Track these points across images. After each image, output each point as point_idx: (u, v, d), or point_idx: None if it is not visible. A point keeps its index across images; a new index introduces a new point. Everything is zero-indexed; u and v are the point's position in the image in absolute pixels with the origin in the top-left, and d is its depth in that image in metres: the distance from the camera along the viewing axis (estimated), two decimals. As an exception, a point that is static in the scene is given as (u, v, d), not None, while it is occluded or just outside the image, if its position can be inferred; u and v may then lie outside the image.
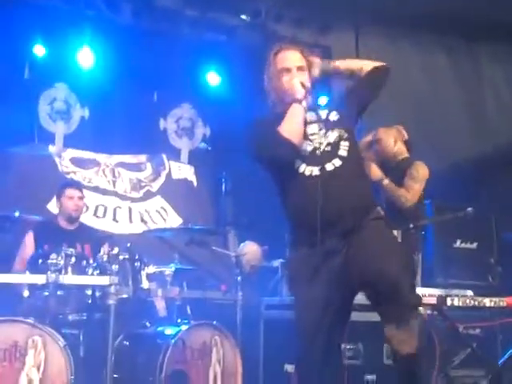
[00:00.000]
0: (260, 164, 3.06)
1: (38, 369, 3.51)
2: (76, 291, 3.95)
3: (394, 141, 4.89)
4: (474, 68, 7.09)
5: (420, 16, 6.76)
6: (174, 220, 6.23)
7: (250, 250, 5.49)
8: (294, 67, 3.02)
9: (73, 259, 3.95)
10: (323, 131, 2.96)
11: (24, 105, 5.99)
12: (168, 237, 5.28)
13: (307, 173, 2.87)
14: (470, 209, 4.43)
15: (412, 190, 4.65)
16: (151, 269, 4.31)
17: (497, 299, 4.48)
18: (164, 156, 6.57)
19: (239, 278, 4.67)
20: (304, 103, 2.94)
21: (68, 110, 6.28)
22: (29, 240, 4.67)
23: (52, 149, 6.09)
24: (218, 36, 6.92)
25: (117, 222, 6.03)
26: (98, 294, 3.98)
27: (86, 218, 5.43)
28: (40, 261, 3.90)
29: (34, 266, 3.92)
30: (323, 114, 3.02)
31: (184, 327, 4.02)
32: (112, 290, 3.83)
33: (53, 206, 5.37)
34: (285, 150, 2.88)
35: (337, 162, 2.89)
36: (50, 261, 3.84)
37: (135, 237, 5.55)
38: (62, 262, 3.89)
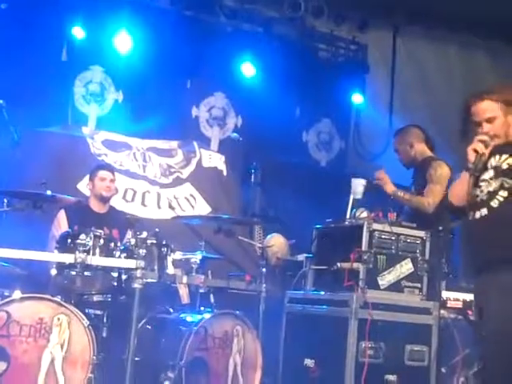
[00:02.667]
0: None
1: (62, 347, 3.54)
2: (102, 273, 3.97)
3: (409, 145, 4.88)
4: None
5: (459, 17, 6.68)
6: (203, 208, 6.23)
7: (277, 242, 5.49)
8: (483, 120, 3.12)
9: (101, 241, 3.96)
10: (491, 179, 3.08)
11: (60, 86, 6.05)
12: (195, 224, 5.29)
13: (470, 217, 3.06)
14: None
15: (432, 193, 4.62)
16: (177, 255, 4.31)
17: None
18: (195, 143, 6.58)
19: (264, 270, 4.65)
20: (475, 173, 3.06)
21: (102, 93, 6.33)
22: (61, 218, 4.73)
23: (85, 130, 6.15)
24: (255, 27, 6.93)
25: (145, 206, 6.05)
26: (123, 276, 4.00)
27: (115, 202, 5.44)
28: (69, 240, 3.92)
29: (63, 245, 3.95)
30: (498, 159, 3.10)
31: (207, 315, 4.04)
32: (138, 273, 3.84)
33: (82, 186, 5.42)
34: (446, 210, 3.36)
35: (484, 212, 3.04)
36: (78, 241, 3.87)
37: (163, 222, 5.56)
38: (90, 243, 3.91)
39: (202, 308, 4.30)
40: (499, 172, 3.05)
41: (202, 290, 4.37)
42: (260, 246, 5.09)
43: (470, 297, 4.49)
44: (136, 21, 6.24)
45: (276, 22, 7.00)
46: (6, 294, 3.67)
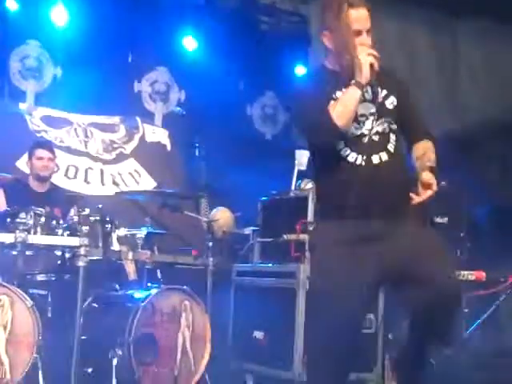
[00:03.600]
0: (302, 135, 2.89)
1: (5, 328, 3.46)
2: (45, 251, 3.90)
3: None
4: (452, 44, 7.07)
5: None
6: (148, 183, 6.16)
7: (223, 215, 5.47)
8: (365, 30, 2.66)
9: (42, 219, 3.88)
10: (375, 116, 2.68)
11: (-5, 61, 5.84)
12: (140, 200, 5.23)
13: (350, 159, 2.65)
14: (443, 183, 4.46)
15: None
16: (122, 231, 4.27)
17: (466, 273, 4.55)
18: (138, 118, 6.47)
19: (210, 244, 4.64)
20: (364, 89, 2.64)
21: (40, 68, 6.14)
22: (0, 197, 4.58)
23: (22, 106, 5.96)
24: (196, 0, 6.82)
25: (88, 183, 5.94)
26: (67, 255, 3.94)
27: (57, 179, 5.32)
28: (8, 219, 3.81)
29: (2, 225, 3.84)
30: (380, 94, 2.72)
31: (154, 291, 4.00)
32: (82, 251, 3.78)
33: (22, 164, 5.27)
34: (330, 137, 2.63)
35: (384, 156, 2.67)
36: (18, 220, 3.77)
37: (107, 199, 5.46)
38: (31, 222, 3.82)
39: (150, 284, 4.26)
40: (384, 110, 2.71)
41: (148, 266, 4.33)
42: (206, 220, 5.06)
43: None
44: (72, -8, 6.06)
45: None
46: None
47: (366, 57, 2.60)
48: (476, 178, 5.84)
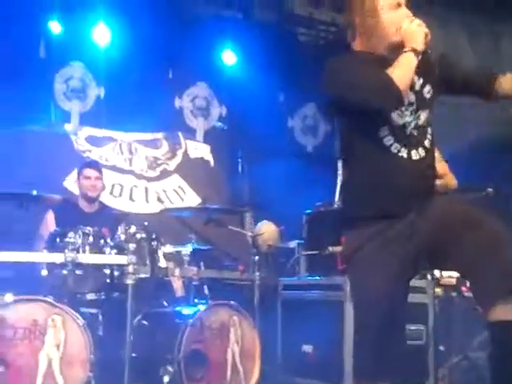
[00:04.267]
0: (348, 109, 2.51)
1: (58, 348, 3.50)
2: (94, 270, 3.94)
3: None
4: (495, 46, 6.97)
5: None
6: (192, 199, 6.21)
7: (267, 229, 5.47)
8: (403, 3, 2.55)
9: (90, 238, 3.93)
10: (414, 107, 2.55)
11: (40, 83, 5.96)
12: (185, 216, 5.26)
13: (394, 150, 2.51)
14: (489, 189, 4.39)
15: None
16: (168, 248, 4.29)
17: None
18: (180, 134, 6.54)
19: (256, 258, 4.64)
20: (419, 57, 2.46)
21: (84, 89, 6.25)
22: (50, 218, 4.66)
23: (68, 127, 6.08)
24: (234, 14, 6.86)
25: (133, 201, 6.01)
26: (116, 273, 3.97)
27: (103, 197, 5.39)
28: (58, 239, 3.88)
29: (52, 245, 3.91)
30: (417, 82, 2.57)
31: (202, 307, 4.01)
32: (130, 269, 3.82)
33: (69, 184, 5.38)
34: (393, 96, 2.42)
35: (422, 152, 2.55)
36: (67, 239, 3.83)
37: (152, 216, 5.53)
38: (79, 241, 3.88)
39: (197, 300, 4.28)
40: (422, 101, 2.58)
41: (195, 282, 4.35)
42: (250, 234, 5.06)
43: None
44: (113, 12, 6.15)
45: (255, 7, 6.95)
46: (-2, 297, 3.62)
47: (417, 26, 2.49)
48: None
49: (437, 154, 2.70)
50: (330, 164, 5.49)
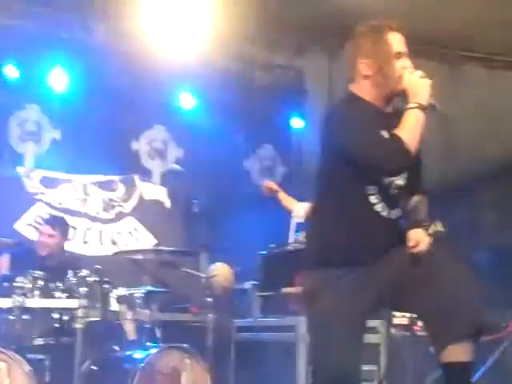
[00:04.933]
0: (351, 161, 2.47)
1: (2, 395, 3.43)
2: (42, 315, 3.89)
3: None
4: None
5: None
6: (147, 240, 6.20)
7: (221, 271, 5.45)
8: (403, 54, 2.53)
9: (40, 282, 3.89)
10: None
11: (-6, 126, 5.93)
12: (139, 258, 5.23)
13: (377, 208, 2.54)
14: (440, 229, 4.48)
15: None
16: (121, 291, 4.27)
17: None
18: (136, 177, 6.54)
19: (210, 300, 4.63)
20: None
21: (39, 132, 6.23)
22: (4, 262, 4.61)
23: (20, 170, 6.03)
24: (193, 58, 6.94)
25: (86, 243, 5.98)
26: (65, 317, 3.93)
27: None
28: (6, 284, 3.83)
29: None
30: None
31: (153, 350, 3.97)
32: (80, 313, 3.79)
33: (20, 227, 5.33)
34: (404, 160, 2.42)
35: (398, 213, 2.60)
36: (15, 283, 3.79)
37: (106, 259, 5.48)
38: (29, 285, 3.84)
39: (149, 343, 4.23)
40: None
41: (147, 325, 4.31)
42: (204, 276, 5.04)
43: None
44: (71, 57, 6.18)
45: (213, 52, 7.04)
46: None
47: (422, 79, 2.46)
48: (472, 222, 5.83)
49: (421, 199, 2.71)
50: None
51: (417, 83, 2.46)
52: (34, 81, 6.16)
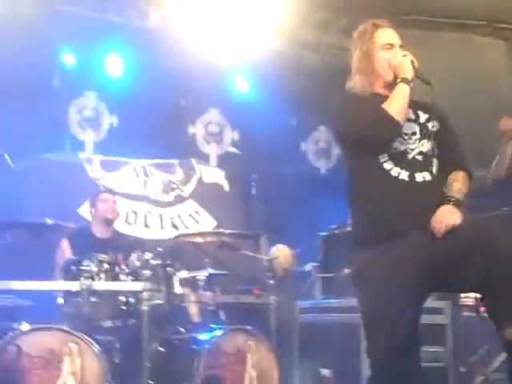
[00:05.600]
0: (349, 142, 2.74)
1: (74, 376, 3.49)
2: (109, 297, 3.94)
3: None
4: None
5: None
6: (208, 222, 6.26)
7: (282, 253, 5.46)
8: (397, 44, 2.78)
9: (105, 265, 3.95)
10: (417, 136, 2.72)
11: (54, 113, 6.03)
12: (199, 241, 5.26)
13: (394, 173, 2.64)
14: (505, 208, 4.37)
15: None
16: (183, 274, 4.29)
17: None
18: (193, 160, 6.59)
19: (272, 282, 4.63)
20: (411, 85, 2.67)
21: (97, 118, 6.32)
22: (65, 247, 4.70)
23: (82, 156, 6.14)
24: (246, 42, 6.91)
25: (148, 227, 6.05)
26: (131, 299, 3.98)
27: (118, 225, 5.43)
28: (73, 267, 3.90)
29: (67, 273, 3.92)
30: (422, 116, 2.78)
31: (218, 332, 4.00)
32: (145, 295, 3.83)
33: (84, 211, 5.42)
34: (390, 128, 2.62)
35: (427, 176, 2.67)
36: (82, 267, 3.86)
37: (167, 242, 5.54)
38: (95, 269, 3.90)
39: (213, 325, 4.26)
40: (427, 132, 2.73)
41: (211, 307, 4.34)
42: (265, 258, 5.05)
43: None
44: (126, 43, 6.23)
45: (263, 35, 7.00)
46: (14, 326, 3.63)
47: (403, 57, 2.71)
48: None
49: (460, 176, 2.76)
50: (344, 186, 5.49)
51: (400, 61, 2.71)
52: (90, 68, 6.25)
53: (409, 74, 2.67)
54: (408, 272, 2.54)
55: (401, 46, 2.78)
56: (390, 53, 2.75)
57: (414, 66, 2.69)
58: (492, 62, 6.53)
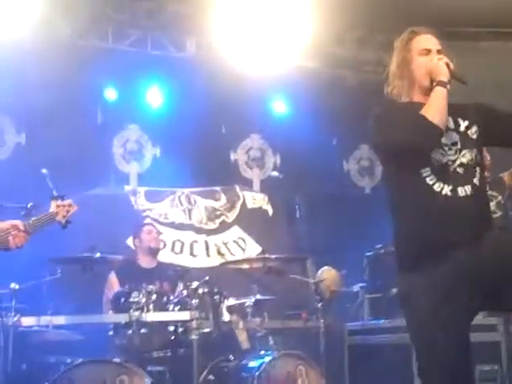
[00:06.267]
0: (390, 154, 2.66)
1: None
2: (159, 328, 4.00)
3: None
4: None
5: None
6: (253, 249, 6.28)
7: (329, 275, 5.43)
8: (434, 49, 2.73)
9: (153, 296, 4.01)
10: (458, 147, 2.63)
11: (99, 148, 6.17)
12: (246, 268, 5.29)
13: (436, 188, 2.56)
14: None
15: None
16: (231, 301, 4.32)
17: None
18: (237, 186, 6.63)
19: (320, 305, 4.61)
20: (448, 87, 2.62)
21: (140, 150, 6.44)
22: (113, 279, 4.80)
23: (127, 188, 6.25)
24: (283, 64, 6.96)
25: (194, 256, 6.11)
26: (180, 329, 4.03)
27: (164, 255, 5.53)
28: (122, 300, 3.97)
29: (117, 306, 4.00)
30: (462, 124, 2.69)
31: (267, 359, 4.00)
32: (194, 324, 3.87)
33: (131, 242, 5.50)
34: (430, 134, 2.54)
35: (469, 190, 2.58)
36: (131, 299, 3.92)
37: (213, 270, 5.59)
38: (143, 300, 3.96)
39: (262, 351, 4.26)
40: (468, 141, 2.64)
41: (260, 334, 4.35)
42: (312, 281, 5.03)
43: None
44: (165, 74, 6.35)
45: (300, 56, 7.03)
46: (68, 360, 3.71)
47: (438, 61, 2.67)
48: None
49: None
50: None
51: (435, 64, 2.66)
52: (132, 101, 6.38)
53: (444, 76, 2.62)
54: (455, 293, 2.48)
55: (439, 52, 2.73)
56: (426, 58, 2.71)
57: (449, 68, 2.64)
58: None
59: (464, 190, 2.57)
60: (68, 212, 3.74)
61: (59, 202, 3.71)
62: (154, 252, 5.03)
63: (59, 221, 3.69)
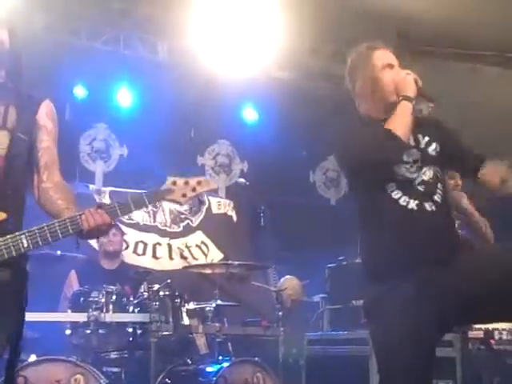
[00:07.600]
0: (355, 168, 2.64)
1: (80, 407, 3.50)
2: (117, 329, 3.96)
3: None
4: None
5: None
6: (215, 255, 6.26)
7: (290, 284, 5.45)
8: (396, 64, 2.74)
9: (113, 297, 3.97)
10: (418, 164, 2.64)
11: (65, 145, 6.05)
12: (208, 272, 5.26)
13: (402, 202, 2.57)
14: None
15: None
16: (192, 305, 4.30)
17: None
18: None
19: (280, 313, 4.61)
20: (413, 103, 2.62)
21: (107, 149, 6.38)
22: (73, 278, 4.72)
23: (92, 187, 6.18)
24: (254, 72, 6.97)
25: (157, 258, 6.07)
26: (139, 331, 3.99)
27: (127, 256, 5.46)
28: (82, 299, 3.92)
29: (75, 305, 3.94)
30: (422, 141, 2.70)
31: (225, 364, 3.98)
32: (153, 327, 3.83)
33: (94, 241, 5.42)
34: (393, 144, 2.54)
35: (432, 206, 2.59)
36: (91, 298, 3.87)
37: (175, 273, 5.55)
38: (103, 300, 3.91)
39: (221, 357, 4.25)
40: (428, 158, 2.66)
41: (219, 339, 4.32)
42: (274, 289, 5.04)
43: (491, 325, 4.42)
44: (135, 75, 6.31)
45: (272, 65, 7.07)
46: (22, 358, 3.63)
47: (407, 75, 2.67)
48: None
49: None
50: (353, 216, 5.48)
51: (403, 79, 2.67)
52: (101, 99, 6.32)
53: (411, 91, 2.62)
54: (423, 308, 2.46)
55: (400, 67, 2.75)
56: (392, 72, 2.71)
57: (417, 84, 2.65)
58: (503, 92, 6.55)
59: (429, 206, 2.58)
60: None
61: None
62: (110, 255, 4.92)
63: None
